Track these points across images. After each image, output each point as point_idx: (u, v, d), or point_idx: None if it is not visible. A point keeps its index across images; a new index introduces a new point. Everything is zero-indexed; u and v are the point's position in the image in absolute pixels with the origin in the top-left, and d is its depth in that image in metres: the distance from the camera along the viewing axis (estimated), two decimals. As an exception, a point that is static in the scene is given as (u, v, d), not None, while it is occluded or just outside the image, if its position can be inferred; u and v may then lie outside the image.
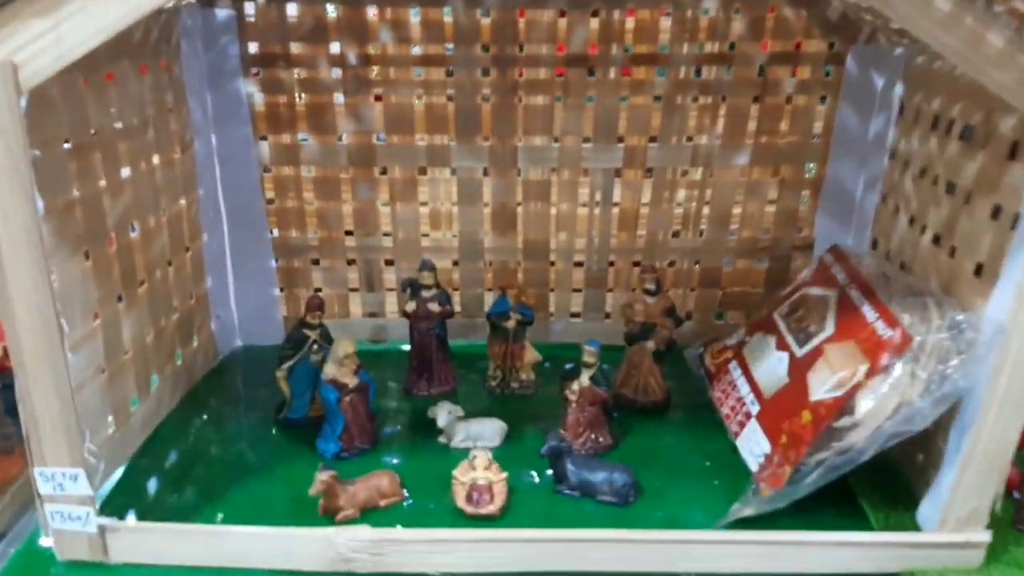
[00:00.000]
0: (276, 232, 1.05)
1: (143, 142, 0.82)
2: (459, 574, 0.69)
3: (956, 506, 0.69)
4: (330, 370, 0.83)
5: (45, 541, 0.70)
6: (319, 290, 1.07)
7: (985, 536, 0.69)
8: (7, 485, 0.75)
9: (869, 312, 0.77)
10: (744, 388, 0.87)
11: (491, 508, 0.76)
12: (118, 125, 0.76)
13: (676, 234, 1.06)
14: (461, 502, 0.76)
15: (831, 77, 0.99)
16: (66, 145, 0.66)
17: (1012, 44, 0.56)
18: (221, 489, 0.79)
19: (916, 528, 0.74)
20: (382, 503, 0.77)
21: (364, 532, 0.68)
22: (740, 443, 0.83)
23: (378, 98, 0.99)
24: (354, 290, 1.08)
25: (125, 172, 0.77)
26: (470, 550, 0.68)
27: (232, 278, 1.04)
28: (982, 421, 0.65)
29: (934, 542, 0.69)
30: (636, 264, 1.07)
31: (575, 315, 1.11)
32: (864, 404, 0.71)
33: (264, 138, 1.00)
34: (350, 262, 1.07)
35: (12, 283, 0.58)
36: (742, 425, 0.84)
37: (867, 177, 1.00)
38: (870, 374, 0.71)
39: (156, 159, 0.85)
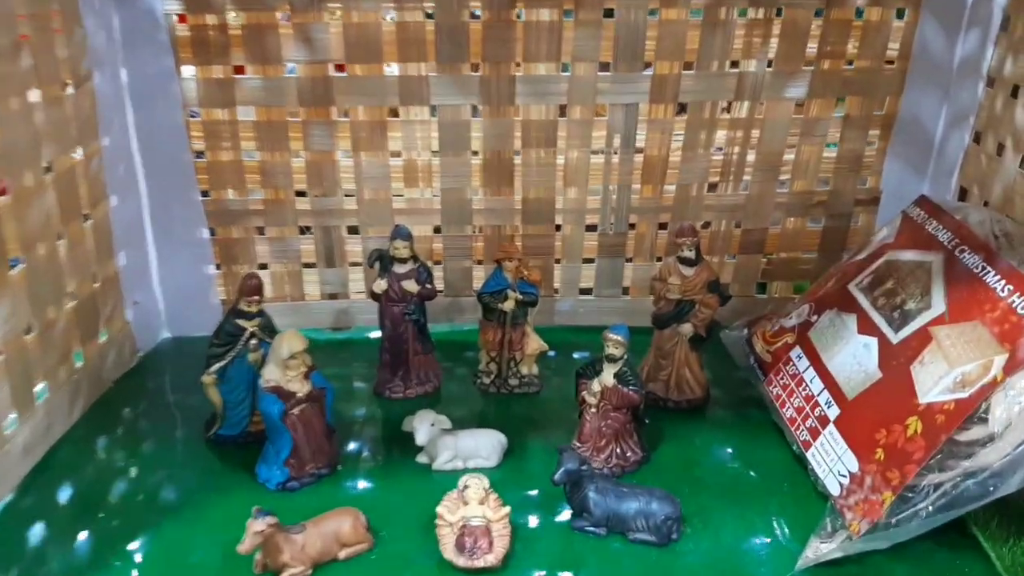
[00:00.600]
0: (209, 193, 0.83)
1: (13, 72, 0.59)
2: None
3: None
4: (272, 374, 0.62)
5: None
6: (264, 267, 0.86)
7: None
8: None
9: (996, 282, 0.57)
10: (815, 384, 0.67)
11: (490, 559, 0.56)
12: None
13: (713, 187, 0.87)
14: (449, 552, 0.57)
15: (914, -19, 0.78)
16: None
17: None
18: (128, 538, 0.59)
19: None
20: (342, 555, 0.58)
21: (311, 610, 0.48)
22: (812, 456, 0.64)
23: (334, 15, 0.77)
24: (309, 265, 0.88)
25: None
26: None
27: (154, 253, 0.84)
28: None
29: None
30: (662, 226, 0.87)
31: (586, 291, 0.91)
32: (1002, 410, 0.52)
33: (189, 70, 0.78)
34: (303, 230, 0.86)
35: None
36: (815, 433, 0.65)
37: (953, 111, 0.81)
38: (1010, 368, 0.52)
39: (35, 95, 0.63)
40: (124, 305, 0.80)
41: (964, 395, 0.53)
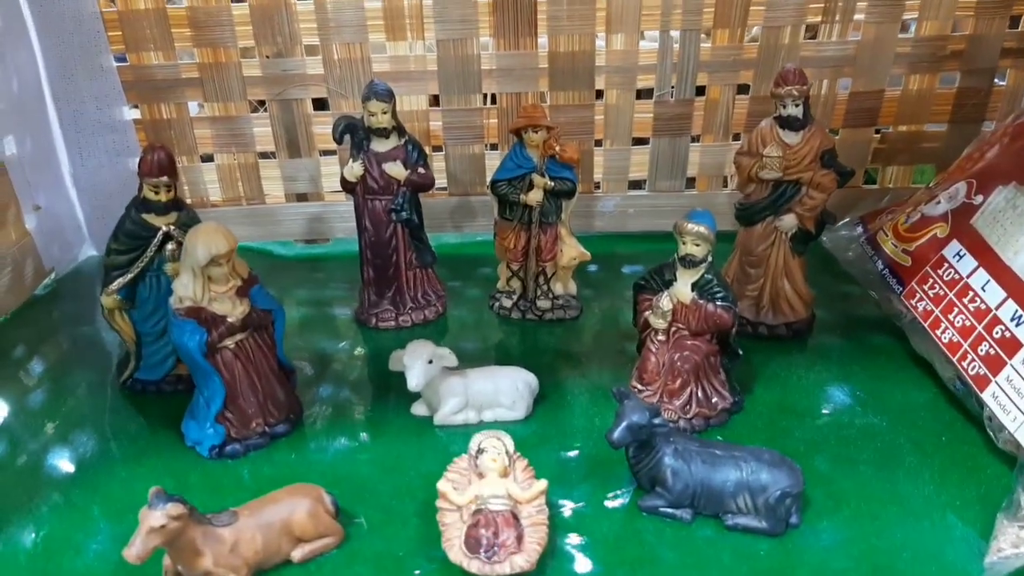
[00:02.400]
0: (126, 57, 0.62)
1: None
2: None
3: None
4: (186, 291, 0.42)
5: None
6: (208, 159, 0.66)
7: None
8: None
9: None
10: (990, 292, 0.47)
11: (518, 562, 0.37)
12: None
13: (813, 34, 0.63)
14: (456, 552, 0.37)
15: None
16: None
17: None
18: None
19: None
20: (296, 555, 0.39)
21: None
22: (991, 398, 0.45)
23: None
24: (267, 155, 0.66)
25: None
26: None
27: (60, 140, 0.63)
28: None
29: None
30: (743, 90, 0.64)
31: (636, 185, 0.68)
32: None
33: None
34: (256, 107, 0.65)
35: None
36: (994, 364, 0.45)
37: None
38: None
39: None
40: (20, 213, 0.60)
41: None
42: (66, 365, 0.56)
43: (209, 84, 0.65)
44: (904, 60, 0.68)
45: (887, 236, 0.57)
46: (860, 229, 0.61)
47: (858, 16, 0.66)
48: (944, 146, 0.68)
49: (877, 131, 0.71)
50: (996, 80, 0.68)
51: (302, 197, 0.70)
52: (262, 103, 0.67)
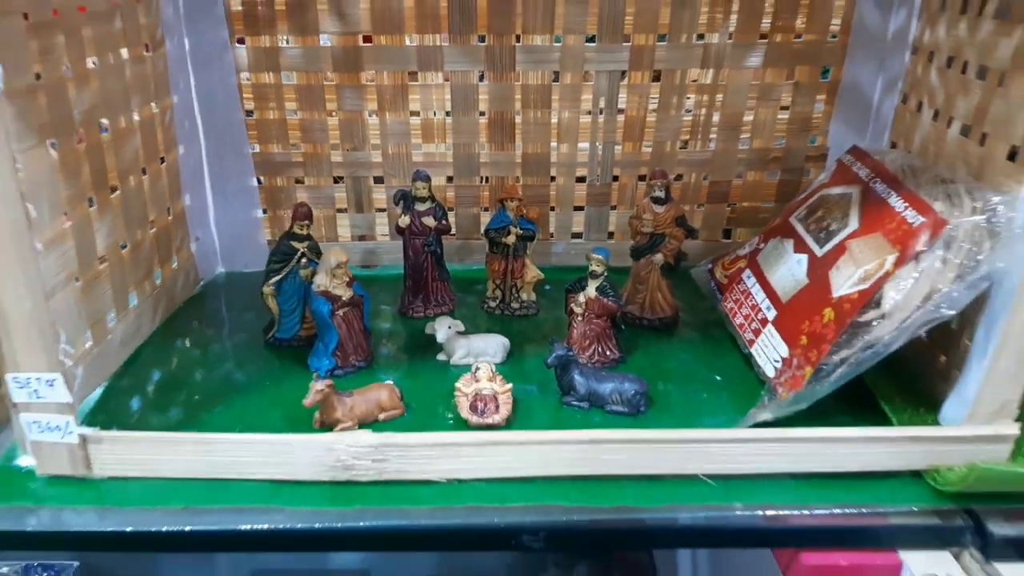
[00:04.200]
0: (257, 147, 0.98)
1: (110, 32, 0.75)
2: (466, 480, 0.65)
3: (985, 399, 0.65)
4: (321, 281, 0.78)
5: (23, 460, 0.65)
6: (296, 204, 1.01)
7: (1014, 429, 0.65)
8: (-25, 403, 0.69)
9: (897, 202, 0.72)
10: (759, 295, 0.82)
11: (496, 418, 0.71)
12: (80, 4, 0.69)
13: (684, 145, 1.01)
14: (465, 412, 0.72)
15: (850, -32, 0.93)
16: (25, 19, 0.59)
17: None
18: (208, 408, 0.74)
19: (942, 428, 0.70)
20: (381, 416, 0.72)
21: (366, 437, 0.63)
22: (755, 350, 0.79)
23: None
24: (342, 210, 1.03)
25: (91, 62, 0.70)
26: (477, 455, 0.64)
27: (211, 197, 0.98)
28: (1017, 308, 0.61)
29: (961, 436, 0.66)
30: (642, 178, 1.02)
31: (577, 235, 1.06)
32: (892, 295, 0.67)
33: (241, 41, 0.93)
34: (337, 179, 1.01)
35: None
36: (757, 332, 0.80)
37: (886, 78, 0.95)
38: (899, 263, 0.67)
39: (124, 53, 0.78)
40: (189, 239, 0.96)
41: (865, 287, 0.69)
42: (226, 331, 0.88)
43: (309, 166, 1.02)
44: (743, 162, 1.06)
45: (718, 268, 0.94)
46: (709, 265, 0.98)
47: (712, 136, 1.06)
48: (772, 216, 1.06)
49: (729, 206, 1.09)
50: (803, 175, 1.08)
51: (361, 238, 1.07)
52: (341, 178, 1.04)
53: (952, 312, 0.64)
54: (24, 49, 0.59)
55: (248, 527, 0.62)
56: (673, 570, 1.06)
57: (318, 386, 0.68)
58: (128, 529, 0.61)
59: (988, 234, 0.64)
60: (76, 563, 1.28)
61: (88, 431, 0.63)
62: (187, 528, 0.61)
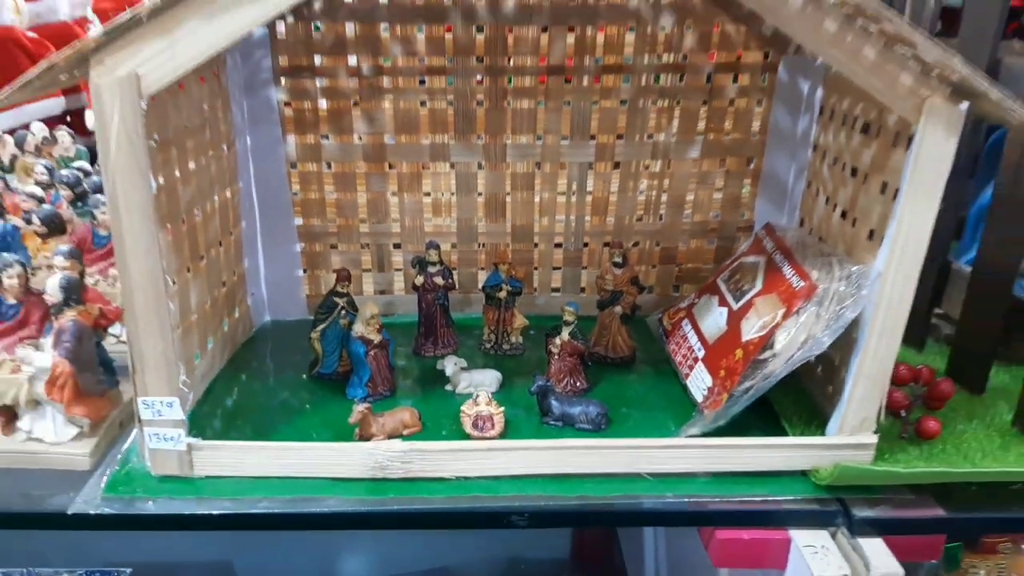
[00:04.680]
0: (301, 220, 1.22)
1: (202, 140, 0.99)
2: (470, 477, 0.88)
3: (850, 416, 0.89)
4: (359, 328, 1.01)
5: (139, 462, 0.88)
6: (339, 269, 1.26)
7: (872, 439, 0.89)
8: (100, 423, 0.92)
9: (788, 270, 0.98)
10: (693, 339, 1.07)
11: (492, 433, 0.94)
12: (184, 125, 0.94)
13: (640, 218, 1.25)
14: (468, 428, 0.95)
15: (766, 84, 1.18)
16: (154, 140, 0.84)
17: (881, 56, 0.76)
18: (271, 427, 0.96)
19: (825, 439, 0.94)
20: (405, 432, 0.95)
21: (396, 445, 0.86)
22: (689, 382, 1.03)
23: (389, 104, 1.17)
24: (367, 270, 1.27)
25: (192, 165, 0.95)
26: (478, 458, 0.87)
27: (263, 260, 1.22)
28: (866, 347, 0.86)
29: (835, 443, 0.89)
30: (607, 244, 1.26)
31: (555, 290, 1.30)
32: (781, 339, 0.91)
33: (291, 138, 1.18)
34: (364, 246, 1.25)
35: (129, 248, 0.76)
36: (691, 367, 1.04)
37: (796, 168, 1.21)
38: (786, 316, 0.92)
39: (211, 154, 1.03)
40: (247, 295, 1.20)
41: (763, 333, 0.93)
42: (279, 367, 1.09)
43: (341, 235, 1.26)
44: (687, 232, 1.31)
45: (665, 318, 1.18)
46: (661, 314, 1.23)
47: (661, 211, 1.31)
48: (711, 274, 1.32)
49: (676, 267, 1.33)
50: (735, 243, 1.33)
51: (382, 292, 1.31)
52: (367, 244, 1.28)
53: (816, 354, 0.88)
54: (154, 162, 0.84)
55: (309, 511, 0.84)
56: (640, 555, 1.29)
57: (359, 408, 0.92)
58: (218, 512, 0.84)
59: (849, 295, 0.89)
60: (129, 570, 1.49)
61: (193, 440, 0.85)
62: (263, 511, 0.84)
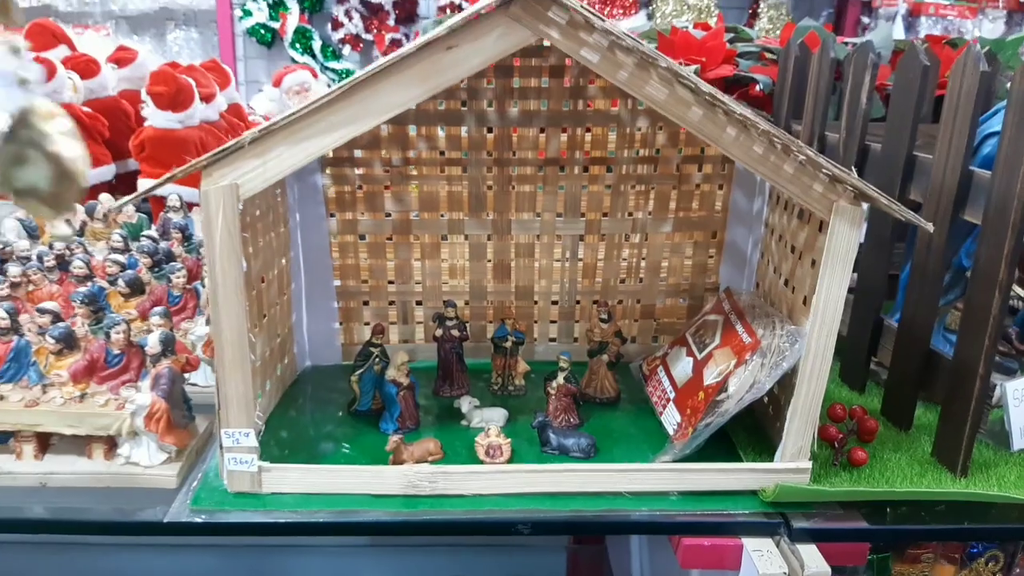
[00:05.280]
0: (339, 282, 1.46)
1: (267, 222, 1.23)
2: (484, 495, 1.09)
3: (789, 445, 1.11)
4: (391, 373, 1.24)
5: (216, 481, 1.09)
6: (367, 323, 1.49)
7: (807, 464, 1.11)
8: (184, 450, 1.14)
9: (740, 328, 1.21)
10: (666, 383, 1.30)
11: (501, 459, 1.16)
12: (256, 213, 1.17)
13: (623, 281, 1.49)
14: (482, 456, 1.16)
15: (726, 171, 1.44)
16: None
17: (798, 170, 1.01)
18: (321, 453, 1.18)
19: (771, 464, 1.16)
20: (430, 459, 1.16)
21: (425, 468, 1.08)
22: (663, 418, 1.25)
23: (414, 187, 1.42)
24: (393, 323, 1.50)
25: (260, 242, 1.19)
26: (491, 479, 1.09)
27: (306, 315, 1.45)
28: (798, 390, 1.08)
29: (777, 468, 1.11)
30: (595, 303, 1.50)
31: (552, 340, 1.52)
32: (733, 384, 1.14)
33: (332, 215, 1.42)
34: (391, 303, 1.48)
35: (223, 312, 0.99)
36: (664, 407, 1.26)
37: (752, 239, 1.45)
38: (737, 365, 1.15)
39: (271, 233, 1.26)
40: (294, 344, 1.42)
41: (720, 379, 1.16)
42: (321, 405, 1.32)
43: (372, 294, 1.49)
44: (663, 292, 1.56)
45: (645, 365, 1.41)
46: (641, 362, 1.45)
47: (641, 275, 1.55)
48: (683, 327, 1.55)
49: (655, 321, 1.59)
50: (704, 302, 1.57)
51: (405, 341, 1.53)
52: (393, 302, 1.51)
53: (759, 396, 1.11)
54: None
55: (356, 520, 1.05)
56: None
57: (394, 439, 1.13)
58: (283, 521, 1.05)
59: (786, 348, 1.12)
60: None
61: (263, 464, 1.07)
62: (319, 520, 1.05)
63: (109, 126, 2.11)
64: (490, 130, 1.38)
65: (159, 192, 1.76)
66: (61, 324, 1.11)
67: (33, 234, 1.57)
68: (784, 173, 1.00)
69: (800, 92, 1.60)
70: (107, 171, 2.15)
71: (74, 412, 1.08)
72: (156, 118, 1.94)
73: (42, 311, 1.12)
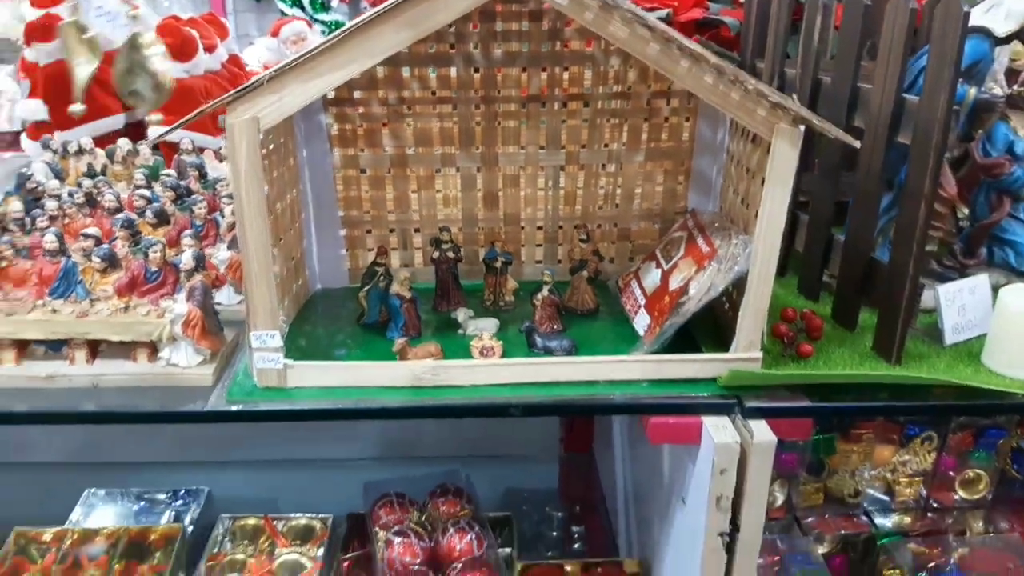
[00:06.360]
0: (343, 212, 1.61)
1: (279, 156, 1.38)
2: (480, 385, 1.27)
3: (742, 338, 1.28)
4: (395, 287, 1.40)
5: (246, 380, 1.26)
6: (371, 250, 1.65)
7: (758, 355, 1.29)
8: (216, 353, 1.30)
9: (700, 241, 1.38)
10: (638, 292, 1.47)
11: (494, 357, 1.34)
12: (271, 146, 1.32)
13: (600, 207, 1.64)
14: (476, 356, 1.34)
15: (691, 104, 1.58)
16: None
17: (743, 97, 1.16)
18: (336, 355, 1.35)
19: (727, 356, 1.34)
20: (430, 360, 1.34)
21: (429, 362, 1.25)
22: (635, 322, 1.43)
23: (409, 124, 1.56)
24: (394, 249, 1.65)
25: (275, 173, 1.34)
26: (486, 371, 1.26)
27: (315, 243, 1.61)
28: (748, 290, 1.26)
29: (732, 358, 1.29)
30: (576, 226, 1.66)
31: (538, 261, 1.68)
32: (693, 288, 1.31)
33: (336, 151, 1.57)
34: (391, 230, 1.63)
35: (249, 230, 1.15)
36: (636, 312, 1.44)
37: (717, 167, 1.60)
38: (697, 272, 1.32)
39: (282, 166, 1.41)
40: (305, 269, 1.58)
41: (683, 284, 1.33)
42: (334, 319, 1.49)
43: (374, 222, 1.65)
44: (637, 217, 1.72)
45: (620, 280, 1.58)
46: (617, 279, 1.62)
47: (617, 201, 1.71)
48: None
49: (630, 243, 1.75)
50: (674, 224, 1.73)
51: (405, 265, 1.69)
52: (394, 229, 1.67)
53: (715, 296, 1.28)
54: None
55: (370, 407, 1.23)
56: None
57: (400, 341, 1.30)
58: (305, 407, 1.23)
59: (738, 255, 1.29)
60: (207, 489, 1.88)
61: (288, 361, 1.24)
62: (337, 407, 1.23)
63: (117, 77, 2.22)
64: (477, 70, 1.51)
65: (171, 138, 1.91)
66: (104, 246, 1.26)
67: (59, 175, 1.71)
68: (732, 100, 1.15)
69: (763, 32, 1.74)
70: (117, 120, 2.27)
71: (120, 321, 1.24)
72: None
73: (86, 235, 1.28)
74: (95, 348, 1.27)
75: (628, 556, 1.80)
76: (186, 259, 1.23)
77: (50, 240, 1.25)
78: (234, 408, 1.20)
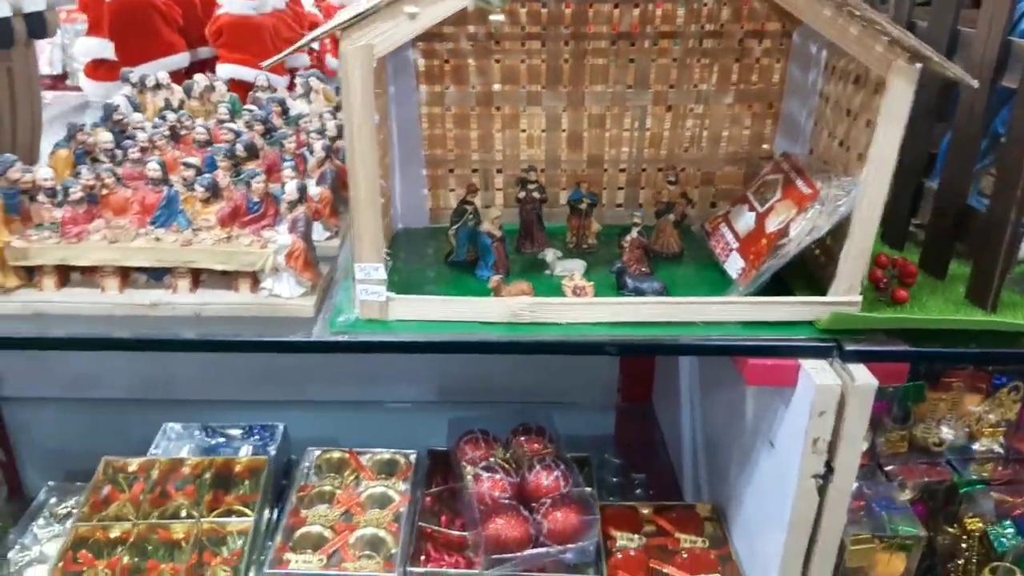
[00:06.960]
0: (427, 151, 1.60)
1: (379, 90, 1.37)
2: (575, 323, 1.27)
3: (842, 282, 1.27)
4: (485, 225, 1.40)
5: (347, 311, 1.28)
6: (452, 191, 1.64)
7: (858, 299, 1.28)
8: (317, 285, 1.32)
9: (800, 183, 1.35)
10: (729, 236, 1.45)
11: (587, 296, 1.34)
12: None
13: (687, 149, 1.62)
14: (569, 295, 1.34)
15: (783, 46, 1.54)
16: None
17: (862, 32, 1.12)
18: (431, 290, 1.36)
19: (823, 300, 1.33)
20: (523, 297, 1.34)
21: (527, 298, 1.26)
22: (726, 266, 1.42)
23: (496, 61, 1.54)
24: (478, 189, 1.65)
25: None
26: (582, 309, 1.27)
27: (399, 182, 1.60)
28: (852, 234, 1.24)
29: (832, 301, 1.27)
30: (660, 170, 1.64)
31: (619, 205, 1.68)
32: (794, 230, 1.30)
33: (422, 87, 1.55)
34: (474, 170, 1.63)
35: (358, 158, 1.15)
36: (727, 256, 1.43)
37: (807, 110, 1.56)
38: (798, 213, 1.30)
39: (377, 101, 1.40)
40: (390, 207, 1.59)
41: (782, 226, 1.31)
42: (421, 256, 1.50)
43: (457, 162, 1.64)
44: (722, 161, 1.69)
45: (708, 224, 1.56)
46: (703, 223, 1.61)
47: (703, 144, 1.68)
48: (738, 192, 1.69)
49: (714, 187, 1.73)
50: (760, 169, 1.70)
51: (487, 207, 1.69)
52: (477, 169, 1.66)
53: (817, 239, 1.26)
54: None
55: (468, 340, 1.24)
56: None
57: (495, 278, 1.31)
58: (407, 339, 1.24)
59: (842, 197, 1.27)
60: (283, 425, 1.92)
61: (391, 295, 1.25)
62: (436, 340, 1.24)
63: (182, 15, 2.21)
64: (567, 6, 1.48)
65: (245, 77, 1.90)
66: (206, 175, 1.27)
67: (137, 109, 1.71)
68: (849, 34, 1.12)
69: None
70: (183, 58, 2.26)
71: (224, 250, 1.25)
72: (232, 5, 2.04)
73: (187, 165, 1.28)
74: (197, 277, 1.29)
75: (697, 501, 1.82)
76: (290, 189, 1.23)
77: (153, 168, 1.26)
78: (338, 339, 1.22)
